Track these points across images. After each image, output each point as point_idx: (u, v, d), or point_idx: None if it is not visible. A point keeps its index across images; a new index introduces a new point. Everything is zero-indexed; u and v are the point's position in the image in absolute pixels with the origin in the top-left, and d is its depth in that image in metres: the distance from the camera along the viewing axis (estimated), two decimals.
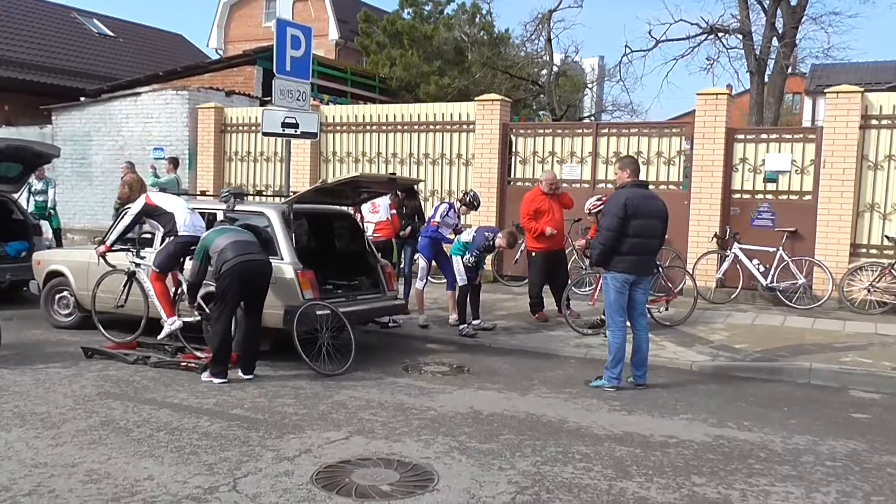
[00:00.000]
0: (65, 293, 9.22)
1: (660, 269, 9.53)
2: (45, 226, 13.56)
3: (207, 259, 6.97)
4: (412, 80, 23.44)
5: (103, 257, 8.05)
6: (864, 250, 10.74)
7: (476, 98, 13.50)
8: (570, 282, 9.89)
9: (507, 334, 9.12)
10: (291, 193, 9.19)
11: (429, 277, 9.75)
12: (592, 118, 32.48)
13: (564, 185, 11.32)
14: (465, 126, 13.24)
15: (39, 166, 12.70)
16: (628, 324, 7.03)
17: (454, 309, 9.29)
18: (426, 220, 10.16)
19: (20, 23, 23.96)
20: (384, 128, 13.94)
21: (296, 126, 10.12)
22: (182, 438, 5.32)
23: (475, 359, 8.10)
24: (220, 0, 36.90)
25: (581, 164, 12.40)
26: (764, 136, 11.58)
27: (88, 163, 16.98)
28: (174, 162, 14.33)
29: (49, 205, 14.13)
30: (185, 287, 7.55)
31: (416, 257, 10.02)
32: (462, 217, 9.90)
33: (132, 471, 4.71)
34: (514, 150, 12.96)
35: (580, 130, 12.83)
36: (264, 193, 13.11)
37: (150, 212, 7.81)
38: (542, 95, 27.55)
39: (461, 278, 9.03)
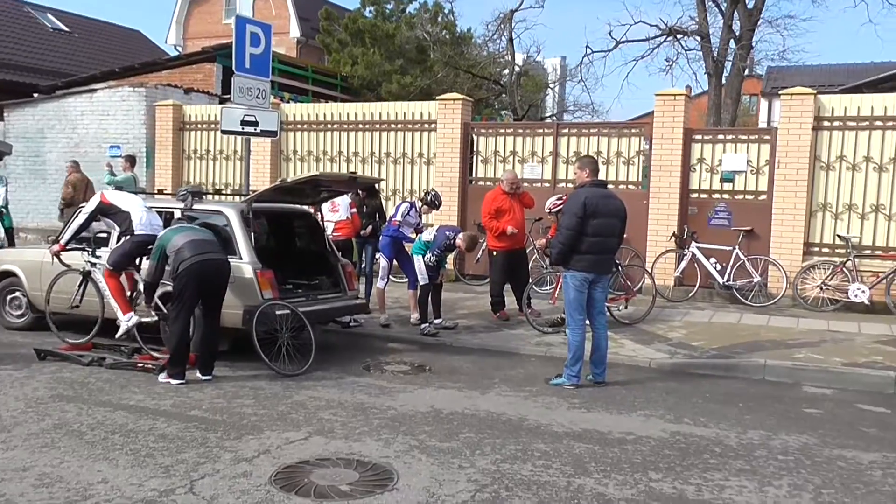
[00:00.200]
0: (17, 294, 9.02)
1: (619, 267, 9.62)
2: None
3: (164, 258, 6.88)
4: (374, 79, 23.36)
5: (57, 257, 7.89)
6: (816, 249, 10.98)
7: (437, 97, 13.50)
8: (530, 281, 9.95)
9: (468, 333, 9.14)
10: (251, 192, 9.11)
11: (390, 276, 9.74)
12: (554, 118, 32.69)
13: (525, 184, 11.38)
14: (426, 125, 13.24)
15: None
16: (588, 322, 7.10)
17: (416, 308, 9.29)
18: (387, 219, 10.14)
19: None
20: (345, 126, 13.88)
21: (255, 124, 10.03)
22: (138, 440, 5.24)
23: (436, 358, 8.11)
24: None
25: (542, 164, 12.48)
26: (721, 136, 11.77)
27: (42, 160, 16.62)
28: (131, 160, 14.09)
29: (0, 203, 13.81)
30: (141, 287, 7.45)
31: (377, 256, 10.00)
32: (423, 216, 9.89)
33: (86, 474, 4.63)
34: (475, 149, 13.00)
35: (541, 130, 12.90)
36: (223, 192, 12.97)
37: (106, 210, 7.68)
38: (503, 95, 27.65)
39: (422, 277, 9.03)
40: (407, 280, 9.60)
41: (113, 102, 15.98)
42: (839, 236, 10.75)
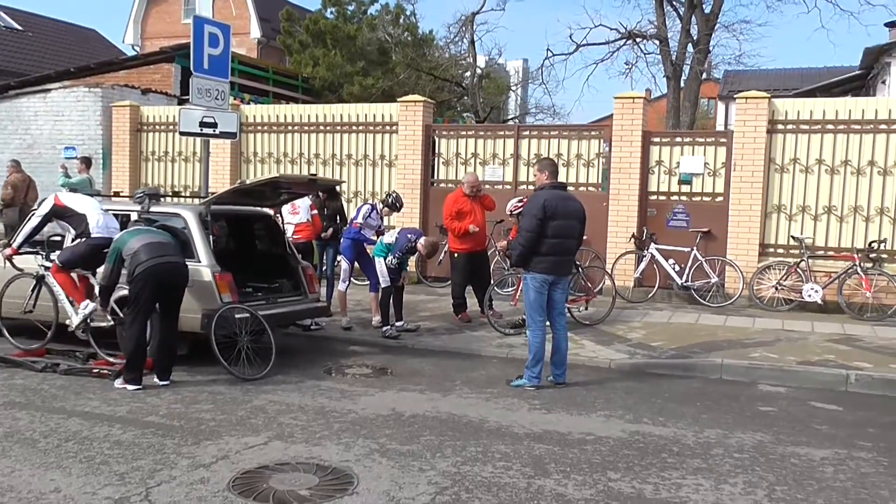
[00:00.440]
0: None
1: (579, 269, 9.72)
2: None
3: (121, 261, 6.76)
4: (335, 81, 23.25)
5: (9, 260, 7.72)
6: (771, 250, 11.19)
7: (399, 99, 13.48)
8: (492, 282, 9.98)
9: (430, 335, 9.14)
10: (210, 194, 9.00)
11: (352, 279, 9.70)
12: (516, 120, 32.90)
13: (487, 186, 11.43)
14: (388, 127, 13.22)
15: None
16: (548, 323, 7.15)
17: (377, 311, 9.26)
18: (348, 221, 10.10)
19: None
20: (306, 128, 13.79)
21: (214, 126, 9.91)
22: (92, 448, 5.15)
23: (398, 360, 8.09)
24: None
25: (503, 166, 12.54)
26: (678, 139, 11.94)
27: None
28: (86, 162, 13.83)
29: None
30: (97, 291, 7.32)
31: (338, 259, 9.95)
32: (385, 218, 9.87)
33: (38, 483, 4.53)
34: (437, 151, 13.01)
35: (502, 133, 12.95)
36: (181, 194, 12.80)
37: (60, 213, 7.52)
38: (465, 97, 27.75)
39: (384, 280, 9.01)
40: (368, 283, 9.57)
41: (68, 103, 15.67)
42: (793, 237, 10.98)
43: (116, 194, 9.82)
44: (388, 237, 9.18)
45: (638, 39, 22.63)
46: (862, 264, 10.32)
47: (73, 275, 7.49)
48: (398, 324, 9.15)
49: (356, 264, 9.56)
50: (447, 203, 9.97)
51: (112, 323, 7.34)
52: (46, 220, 7.58)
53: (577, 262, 9.29)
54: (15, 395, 6.40)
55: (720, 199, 11.35)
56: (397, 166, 13.07)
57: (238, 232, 8.94)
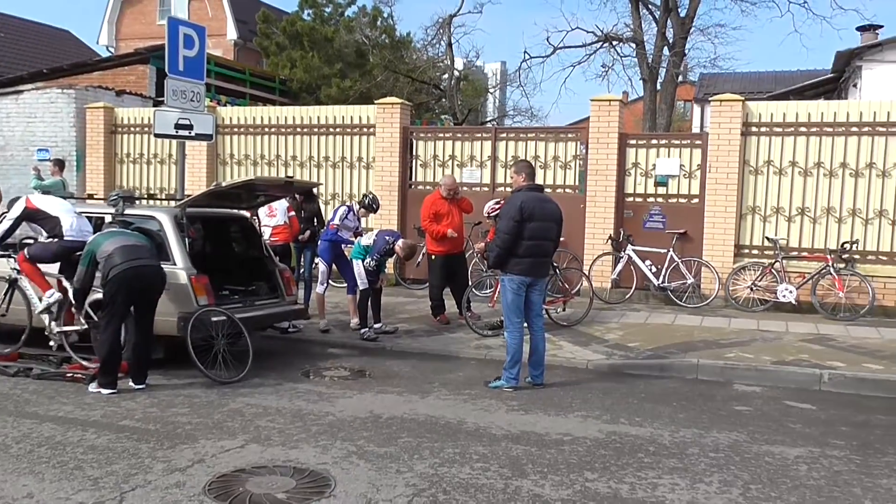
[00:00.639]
0: None
1: (557, 270, 9.76)
2: None
3: (95, 264, 6.70)
4: (313, 83, 23.19)
5: None
6: (746, 251, 11.30)
7: (377, 101, 13.47)
8: (470, 284, 10.00)
9: (408, 337, 9.14)
10: (185, 197, 8.93)
11: (329, 281, 9.67)
12: (494, 122, 32.97)
13: (465, 188, 11.44)
14: (365, 129, 13.19)
15: None
16: (526, 325, 7.17)
17: (355, 313, 9.24)
18: (325, 223, 10.07)
19: None
20: (283, 130, 13.74)
21: (190, 128, 9.83)
22: (66, 453, 5.08)
23: (376, 362, 8.08)
24: None
25: (481, 168, 12.56)
26: (654, 141, 12.03)
27: None
28: (60, 164, 13.67)
29: None
30: (71, 294, 7.24)
31: (316, 261, 9.92)
32: (361, 220, 9.85)
33: (9, 489, 4.47)
34: (414, 153, 13.01)
35: (479, 135, 12.98)
36: (156, 197, 12.70)
37: (32, 216, 7.43)
38: (443, 99, 27.77)
39: (362, 282, 8.99)
40: (346, 285, 9.55)
41: (41, 104, 15.47)
42: (767, 238, 11.10)
43: (90, 196, 9.74)
44: (366, 239, 9.16)
45: (614, 42, 22.80)
46: (835, 265, 10.46)
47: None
48: (376, 326, 9.13)
49: (334, 266, 9.53)
50: (425, 205, 9.97)
51: (86, 327, 7.26)
52: (18, 222, 7.47)
53: (555, 264, 9.32)
54: None
55: (696, 200, 11.45)
56: (375, 168, 13.05)
57: (214, 234, 8.87)
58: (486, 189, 12.35)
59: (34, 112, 15.47)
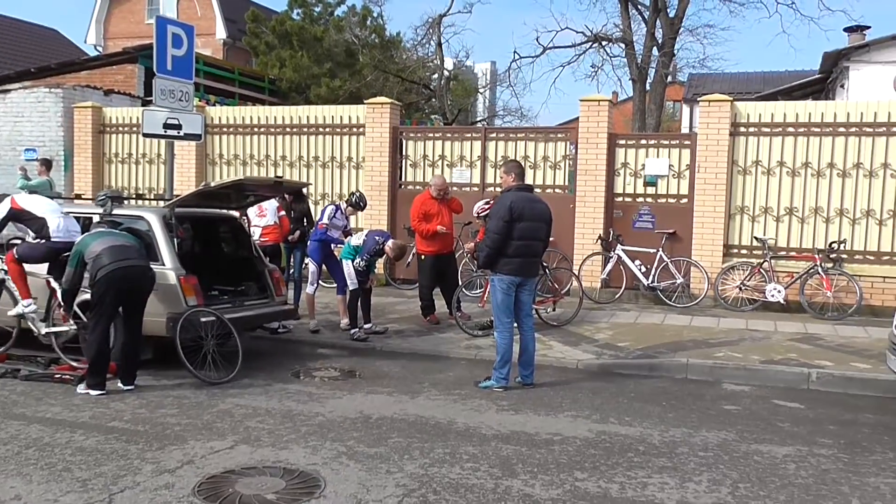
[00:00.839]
0: None
1: (547, 270, 9.77)
2: None
3: (83, 265, 6.66)
4: (302, 82, 23.14)
5: None
6: (735, 251, 11.35)
7: (366, 101, 13.45)
8: (460, 284, 10.00)
9: (398, 337, 9.13)
10: (174, 197, 8.90)
11: (319, 282, 9.65)
12: (484, 122, 32.99)
13: (454, 188, 11.44)
14: (355, 129, 13.18)
15: None
16: (515, 324, 7.17)
17: (345, 313, 9.23)
18: (315, 223, 10.05)
19: None
20: (273, 130, 13.70)
21: (179, 127, 9.79)
22: (54, 454, 5.06)
23: (366, 363, 8.07)
24: None
25: (470, 168, 12.57)
26: (643, 141, 12.06)
27: None
28: (46, 164, 13.56)
29: None
30: (59, 295, 7.20)
31: (306, 261, 9.90)
32: (349, 218, 9.83)
33: None
34: (404, 153, 13.00)
35: (469, 135, 12.99)
36: (145, 197, 12.64)
37: (18, 216, 7.37)
38: (433, 99, 27.76)
39: (352, 282, 8.98)
40: (336, 285, 9.53)
41: (28, 104, 15.37)
42: (756, 238, 11.15)
43: (78, 197, 9.68)
44: (356, 239, 9.15)
45: (604, 43, 22.87)
46: (823, 264, 10.52)
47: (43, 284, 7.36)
48: (366, 326, 9.12)
49: (323, 266, 9.51)
50: (414, 205, 9.97)
51: (75, 327, 7.23)
52: (3, 223, 7.41)
53: (545, 264, 9.34)
54: None
55: (685, 200, 11.49)
56: (364, 168, 13.03)
57: (203, 235, 8.84)
58: (475, 189, 12.36)
59: (21, 111, 15.38)
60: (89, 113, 14.67)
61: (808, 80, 20.83)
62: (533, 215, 6.99)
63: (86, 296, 6.88)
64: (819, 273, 10.50)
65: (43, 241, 7.22)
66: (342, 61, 24.90)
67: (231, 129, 13.95)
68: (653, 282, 11.26)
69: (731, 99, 11.50)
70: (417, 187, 12.40)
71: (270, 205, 9.78)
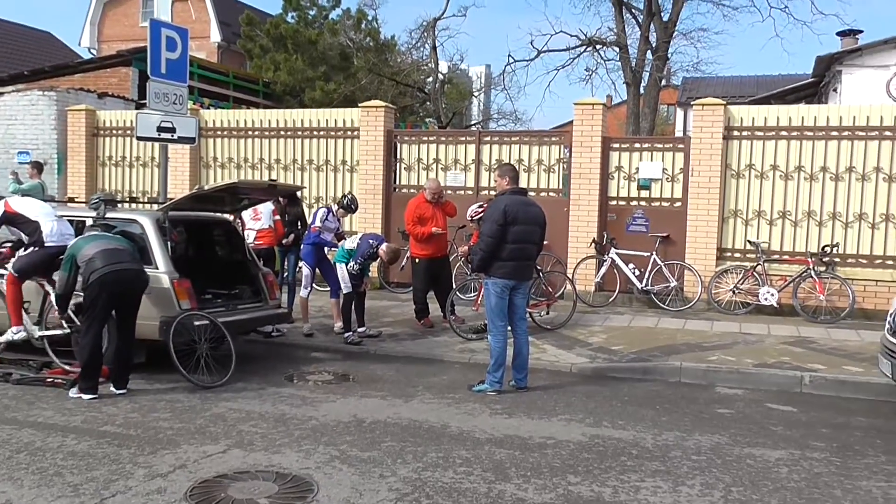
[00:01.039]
0: None
1: (541, 273, 9.77)
2: None
3: (76, 268, 6.63)
4: (297, 85, 23.13)
5: None
6: (729, 254, 11.37)
7: (361, 104, 13.45)
8: (454, 287, 10.00)
9: (392, 341, 9.12)
10: (168, 200, 8.88)
11: (313, 285, 9.64)
12: (479, 126, 33.01)
13: (448, 191, 11.44)
14: (349, 132, 13.17)
15: None
16: (509, 328, 7.17)
17: (339, 317, 9.22)
18: (308, 226, 10.03)
19: None
20: (267, 133, 13.69)
21: (173, 130, 9.76)
22: (45, 459, 5.04)
23: (360, 366, 8.06)
24: None
25: (465, 172, 12.58)
26: (637, 144, 12.09)
27: None
28: (38, 166, 13.49)
29: None
30: (53, 299, 7.18)
31: (299, 265, 9.88)
32: (341, 220, 9.82)
33: None
34: (398, 156, 13.00)
35: (463, 138, 12.99)
36: (138, 200, 12.61)
37: (11, 219, 7.33)
38: (428, 103, 27.78)
39: (346, 286, 8.97)
40: (329, 288, 9.52)
41: (21, 107, 15.33)
42: (749, 242, 11.17)
43: (71, 200, 9.65)
44: (350, 243, 9.14)
45: (598, 46, 22.89)
46: (815, 268, 10.55)
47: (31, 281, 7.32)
48: (360, 330, 9.11)
49: (317, 270, 9.50)
50: (409, 208, 9.97)
51: (69, 331, 7.20)
52: None
53: (539, 267, 9.34)
54: None
55: (678, 204, 11.51)
56: (359, 172, 13.03)
57: (197, 238, 8.83)
58: (470, 192, 12.36)
59: (14, 114, 15.34)
60: (83, 116, 14.65)
61: (802, 84, 20.88)
62: (527, 219, 6.99)
63: (79, 299, 6.86)
64: (812, 276, 10.53)
65: (36, 248, 7.19)
66: (337, 65, 24.89)
67: (225, 133, 13.93)
68: (646, 285, 11.28)
69: (725, 103, 11.53)
70: (412, 191, 12.40)
71: (265, 208, 9.77)
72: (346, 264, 8.95)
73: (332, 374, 7.71)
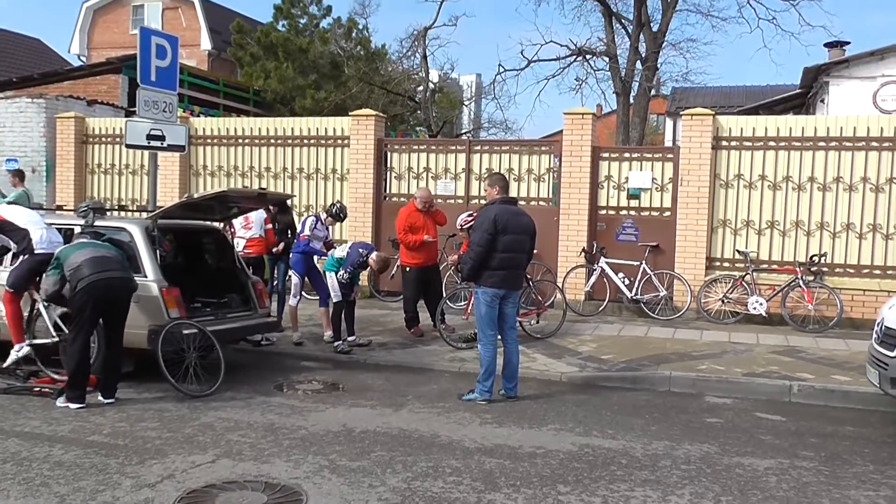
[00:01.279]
0: None
1: (530, 283, 9.78)
2: None
3: (63, 275, 6.59)
4: (287, 94, 23.13)
5: None
6: (718, 263, 11.42)
7: (351, 113, 13.46)
8: (444, 296, 10.00)
9: (382, 350, 9.11)
10: (157, 208, 8.86)
11: (303, 293, 9.61)
12: (469, 135, 33.08)
13: (439, 200, 11.46)
14: (339, 141, 13.17)
15: None
16: (499, 337, 7.17)
17: (328, 325, 9.20)
18: (297, 235, 10.02)
19: None
20: (257, 141, 13.67)
21: (162, 138, 9.75)
22: (32, 469, 5.00)
23: (350, 375, 8.04)
24: (82, 4, 35.13)
25: (455, 181, 12.59)
26: (627, 154, 12.14)
27: None
28: (19, 175, 13.28)
29: None
30: (41, 307, 7.14)
31: (289, 274, 9.86)
32: (329, 229, 9.81)
33: None
34: (389, 165, 13.00)
35: (454, 147, 13.02)
36: (127, 208, 12.57)
37: (1, 227, 7.30)
38: (418, 111, 27.82)
39: (336, 294, 8.95)
40: (319, 297, 9.50)
41: (10, 114, 15.24)
42: (738, 251, 11.23)
43: (60, 208, 9.60)
44: (340, 251, 9.13)
45: (588, 56, 23.03)
46: (804, 277, 10.60)
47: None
48: (350, 338, 9.09)
49: (307, 278, 9.48)
50: (400, 217, 9.97)
51: (56, 339, 7.16)
52: None
53: (528, 276, 9.36)
54: None
55: (668, 213, 11.56)
56: (349, 180, 13.03)
57: (186, 246, 8.80)
58: (460, 201, 12.38)
59: (3, 122, 15.25)
60: (72, 123, 14.59)
61: (789, 95, 21.03)
62: (517, 228, 7.00)
63: (66, 308, 6.82)
64: (800, 286, 10.58)
65: (25, 257, 7.14)
66: (327, 73, 24.92)
67: (215, 141, 13.91)
68: (636, 294, 11.30)
69: (714, 113, 11.61)
70: (402, 199, 12.41)
71: (257, 217, 9.75)
72: (336, 273, 8.94)
73: (322, 384, 7.69)
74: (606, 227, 11.83)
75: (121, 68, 17.93)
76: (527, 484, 4.96)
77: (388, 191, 13.01)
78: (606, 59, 22.66)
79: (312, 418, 6.38)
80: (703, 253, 11.31)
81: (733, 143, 11.34)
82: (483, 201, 10.95)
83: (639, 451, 5.71)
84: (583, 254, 11.67)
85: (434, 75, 28.76)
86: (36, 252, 7.11)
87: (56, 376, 7.10)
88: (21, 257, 7.21)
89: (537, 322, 10.05)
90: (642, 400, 7.33)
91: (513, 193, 10.03)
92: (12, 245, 7.33)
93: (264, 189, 11.81)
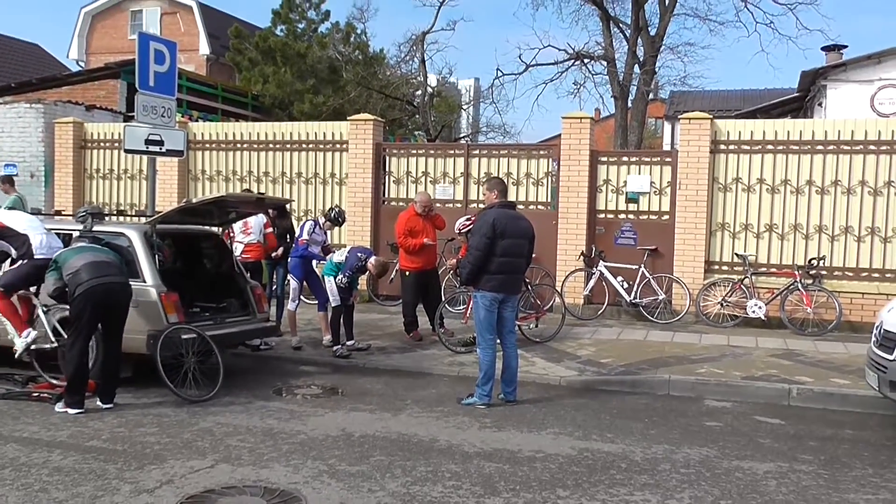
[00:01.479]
0: None
1: (529, 286, 9.78)
2: None
3: (62, 278, 6.58)
4: (286, 98, 23.12)
5: None
6: (716, 267, 11.43)
7: (349, 118, 13.47)
8: (443, 300, 10.00)
9: (381, 354, 9.10)
10: (156, 213, 8.85)
11: (301, 298, 9.61)
12: (468, 139, 33.07)
13: (438, 204, 11.46)
14: (338, 145, 13.18)
15: None
16: (498, 341, 7.17)
17: (327, 330, 9.19)
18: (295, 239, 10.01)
19: None
20: (256, 146, 13.67)
21: (161, 143, 9.76)
22: (30, 475, 4.99)
23: (349, 380, 8.03)
24: (80, 9, 35.17)
25: (454, 185, 12.60)
26: (625, 158, 12.16)
27: None
28: (9, 181, 13.13)
29: None
30: (40, 312, 7.13)
31: (288, 278, 9.86)
32: (327, 233, 9.81)
33: None
34: (387, 169, 13.01)
35: (452, 151, 13.03)
36: (126, 213, 12.56)
37: (1, 233, 7.29)
38: (417, 116, 27.81)
39: (334, 299, 8.95)
40: (317, 301, 9.50)
41: (8, 119, 15.25)
42: (737, 255, 11.24)
43: (58, 213, 9.60)
44: (338, 256, 9.13)
45: (586, 60, 23.02)
46: (802, 281, 10.61)
47: (15, 299, 7.25)
48: (349, 343, 9.09)
49: (305, 283, 9.48)
50: (399, 221, 9.98)
51: (55, 344, 7.14)
52: None
53: (527, 280, 9.36)
54: None
55: (666, 217, 11.56)
56: (348, 185, 13.03)
57: (185, 251, 8.79)
58: (458, 205, 12.38)
59: (2, 127, 15.25)
60: (70, 128, 14.59)
61: (787, 99, 21.05)
62: (516, 232, 7.01)
63: (65, 313, 6.81)
64: (799, 289, 10.58)
65: (25, 261, 7.13)
66: (325, 77, 24.91)
67: (214, 145, 13.91)
68: (635, 298, 11.31)
69: (712, 117, 11.62)
70: (401, 203, 12.41)
71: (257, 221, 9.75)
72: (335, 277, 8.94)
73: (321, 388, 7.68)
74: (605, 230, 11.84)
75: (119, 73, 17.94)
76: (526, 488, 4.96)
77: (386, 195, 13.01)
78: (604, 63, 22.68)
79: (311, 423, 6.37)
80: (702, 256, 11.32)
81: (731, 147, 11.35)
82: (482, 205, 10.96)
83: (638, 455, 5.71)
84: (581, 257, 11.67)
85: (432, 79, 28.76)
86: (36, 257, 7.10)
87: (55, 381, 7.08)
88: (20, 262, 7.19)
89: (536, 326, 10.05)
90: (641, 404, 7.32)
91: (511, 197, 10.03)
92: (12, 251, 7.32)
93: (262, 194, 11.80)
